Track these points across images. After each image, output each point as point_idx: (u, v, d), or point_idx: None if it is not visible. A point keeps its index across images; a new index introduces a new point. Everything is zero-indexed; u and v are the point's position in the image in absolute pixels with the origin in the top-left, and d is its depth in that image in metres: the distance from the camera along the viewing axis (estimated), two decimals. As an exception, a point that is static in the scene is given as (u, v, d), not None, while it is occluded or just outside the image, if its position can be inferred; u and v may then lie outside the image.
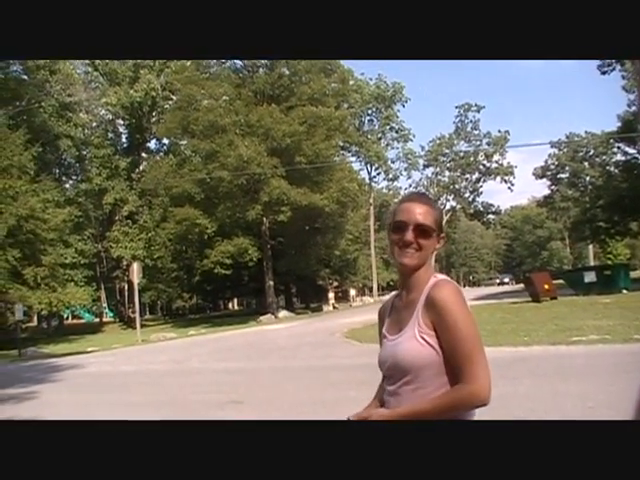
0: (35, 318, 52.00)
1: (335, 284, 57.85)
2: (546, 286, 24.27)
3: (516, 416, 6.30)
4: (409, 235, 1.93)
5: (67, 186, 47.31)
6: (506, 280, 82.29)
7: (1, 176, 30.19)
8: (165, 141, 50.56)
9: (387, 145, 65.21)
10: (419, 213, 1.95)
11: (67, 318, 55.29)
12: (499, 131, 64.48)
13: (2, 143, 31.33)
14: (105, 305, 54.77)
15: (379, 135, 64.02)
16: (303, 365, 13.09)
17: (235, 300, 76.60)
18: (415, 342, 1.88)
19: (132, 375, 14.15)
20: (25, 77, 41.42)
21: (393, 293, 2.25)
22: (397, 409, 1.91)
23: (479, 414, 1.87)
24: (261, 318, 36.19)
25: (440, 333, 1.84)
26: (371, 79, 60.49)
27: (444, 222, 2.25)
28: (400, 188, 70.73)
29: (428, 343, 1.86)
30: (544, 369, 9.30)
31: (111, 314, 58.57)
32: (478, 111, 64.95)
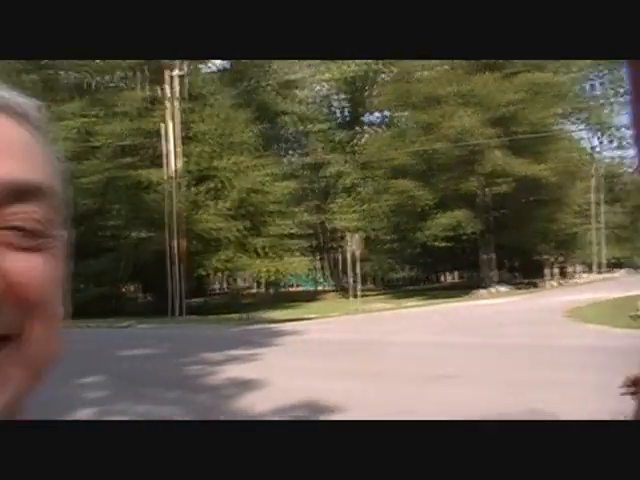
0: (256, 285, 55.34)
1: (557, 259, 54.64)
2: None
3: None
4: None
5: (288, 160, 49.20)
6: None
7: (227, 153, 32.17)
8: (384, 113, 50.74)
9: (615, 111, 59.85)
10: None
11: (290, 286, 57.94)
12: None
13: (226, 122, 33.29)
14: (325, 274, 56.58)
15: (608, 100, 58.96)
16: (519, 343, 12.31)
17: (450, 273, 75.64)
18: None
19: (350, 343, 14.21)
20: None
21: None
22: None
23: None
24: (478, 292, 35.19)
25: None
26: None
27: None
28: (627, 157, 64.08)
29: None
30: None
31: (329, 283, 60.46)
32: None
